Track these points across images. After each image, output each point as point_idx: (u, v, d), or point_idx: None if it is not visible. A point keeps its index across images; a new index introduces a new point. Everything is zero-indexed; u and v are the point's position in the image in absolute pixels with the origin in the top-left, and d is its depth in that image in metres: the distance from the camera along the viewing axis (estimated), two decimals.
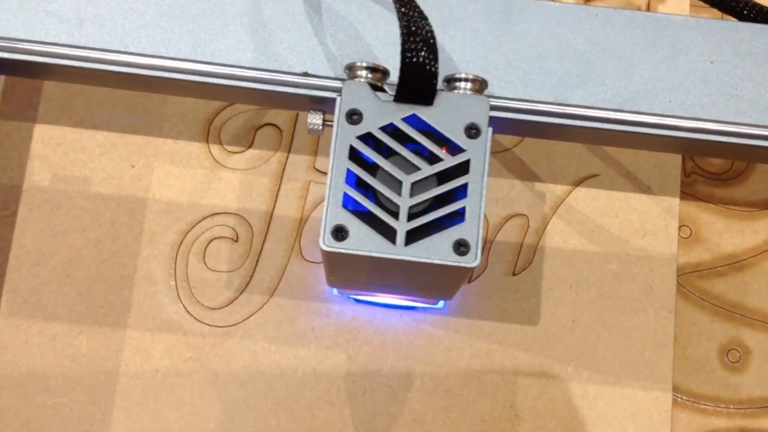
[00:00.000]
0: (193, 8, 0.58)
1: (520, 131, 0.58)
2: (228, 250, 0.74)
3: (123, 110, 0.76)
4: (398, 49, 0.58)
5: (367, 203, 0.50)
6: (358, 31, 0.59)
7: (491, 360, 0.73)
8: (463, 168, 0.50)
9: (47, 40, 0.57)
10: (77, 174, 0.74)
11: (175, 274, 0.73)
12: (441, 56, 0.57)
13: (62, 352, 0.71)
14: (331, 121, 0.57)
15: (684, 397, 0.73)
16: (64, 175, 0.74)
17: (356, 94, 0.51)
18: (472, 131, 0.51)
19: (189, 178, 0.75)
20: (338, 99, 0.51)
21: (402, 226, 0.50)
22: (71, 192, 0.74)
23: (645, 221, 0.76)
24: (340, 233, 0.49)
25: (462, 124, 0.51)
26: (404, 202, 0.50)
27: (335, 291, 0.72)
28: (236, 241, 0.74)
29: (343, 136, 0.50)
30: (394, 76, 0.54)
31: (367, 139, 0.51)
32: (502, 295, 0.74)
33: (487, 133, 0.51)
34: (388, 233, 0.50)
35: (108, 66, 0.57)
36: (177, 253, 0.73)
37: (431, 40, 0.50)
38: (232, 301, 0.73)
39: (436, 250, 0.49)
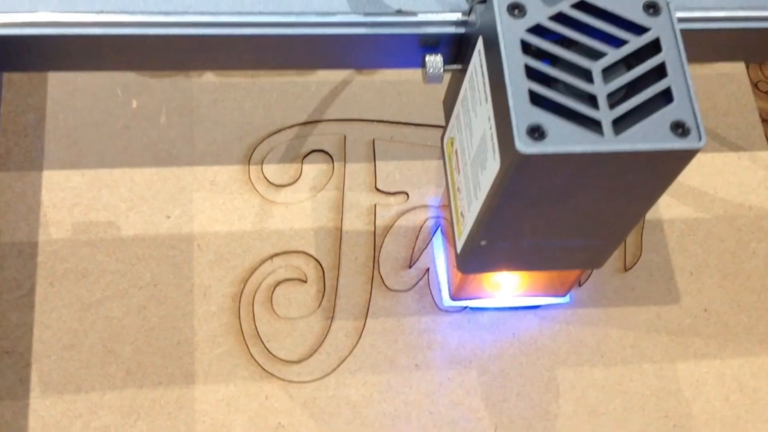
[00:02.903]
0: None
1: None
2: (298, 293, 0.62)
3: (147, 160, 0.64)
4: None
5: (559, 96, 0.40)
6: None
7: (629, 368, 0.62)
8: (652, 48, 0.42)
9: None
10: (103, 235, 0.62)
11: (242, 329, 0.60)
12: None
13: None
14: (454, 65, 0.49)
15: None
16: (88, 239, 0.61)
17: None
18: (651, 9, 0.43)
19: (236, 221, 0.63)
20: None
21: (606, 115, 0.40)
22: (99, 257, 0.61)
23: (746, 193, 0.68)
24: (536, 132, 0.39)
25: (638, 2, 0.43)
26: (600, 89, 0.41)
27: (446, 300, 0.61)
28: (305, 281, 0.62)
29: (509, 33, 0.42)
30: None
31: (536, 31, 0.42)
32: (619, 294, 0.64)
33: (669, 6, 0.43)
34: (591, 126, 0.40)
35: (159, 30, 0.47)
36: (239, 306, 0.61)
37: None
38: (315, 350, 0.60)
39: (651, 135, 0.40)
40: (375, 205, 0.65)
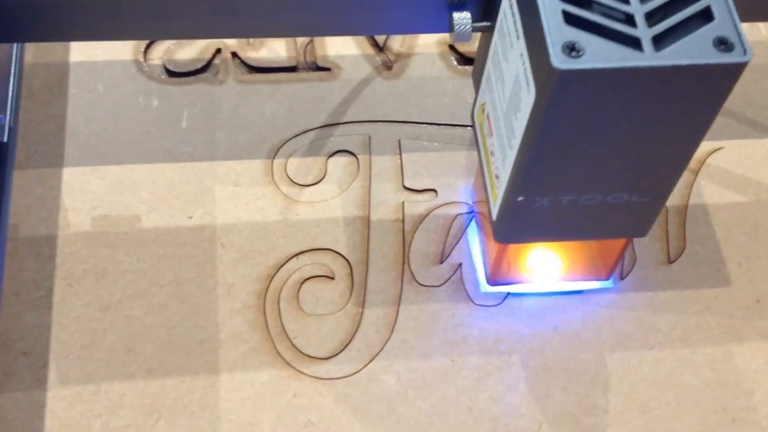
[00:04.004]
0: None
1: None
2: (326, 290, 0.59)
3: (168, 162, 0.63)
4: None
5: (595, 16, 0.39)
6: None
7: (680, 361, 0.58)
8: None
9: None
10: (123, 237, 0.60)
11: (267, 326, 0.57)
12: None
13: None
14: (483, 21, 0.48)
15: None
16: (108, 240, 0.59)
17: None
18: None
19: (260, 220, 0.61)
20: None
21: (646, 32, 0.38)
22: (119, 257, 0.59)
23: None
24: (573, 50, 0.37)
25: None
26: (637, 8, 0.39)
27: (482, 287, 0.58)
28: (333, 278, 0.59)
29: None
30: None
31: None
32: (665, 286, 0.61)
33: None
34: (630, 44, 0.38)
35: None
36: (264, 303, 0.58)
37: None
38: (345, 346, 0.57)
39: (694, 51, 0.38)
40: (403, 203, 0.62)
